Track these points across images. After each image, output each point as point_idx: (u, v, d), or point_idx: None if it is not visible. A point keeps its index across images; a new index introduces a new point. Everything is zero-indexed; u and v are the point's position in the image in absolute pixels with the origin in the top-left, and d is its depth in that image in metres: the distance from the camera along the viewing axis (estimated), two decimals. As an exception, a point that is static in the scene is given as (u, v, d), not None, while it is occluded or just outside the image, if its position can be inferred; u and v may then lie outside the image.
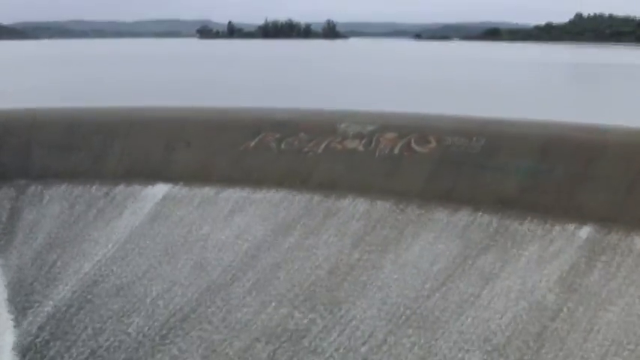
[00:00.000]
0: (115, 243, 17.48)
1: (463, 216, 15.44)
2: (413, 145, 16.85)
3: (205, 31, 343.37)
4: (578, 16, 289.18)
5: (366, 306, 14.65)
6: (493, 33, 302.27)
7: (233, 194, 17.75)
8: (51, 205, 18.82)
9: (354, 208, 16.45)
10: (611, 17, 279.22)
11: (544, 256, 14.12)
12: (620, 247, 13.69)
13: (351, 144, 17.48)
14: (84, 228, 18.14)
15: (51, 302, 16.74)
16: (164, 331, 15.53)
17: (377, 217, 16.08)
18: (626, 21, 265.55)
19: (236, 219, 17.19)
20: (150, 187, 18.56)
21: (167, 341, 15.33)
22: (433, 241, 15.22)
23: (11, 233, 18.39)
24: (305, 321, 14.79)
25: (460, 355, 13.35)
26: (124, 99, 31.32)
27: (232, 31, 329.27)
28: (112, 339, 15.68)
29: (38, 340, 16.09)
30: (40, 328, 16.28)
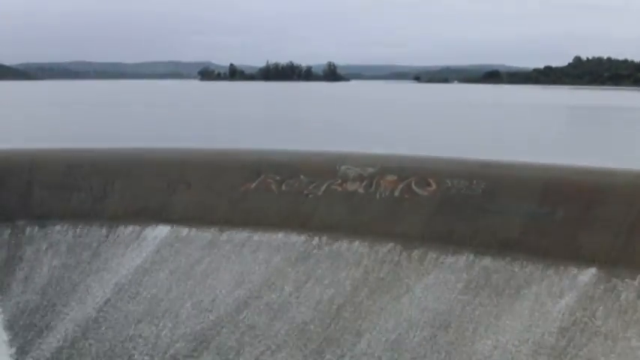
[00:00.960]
0: (115, 284, 17.40)
1: (464, 259, 15.40)
2: (413, 187, 16.86)
3: (207, 73, 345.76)
4: (577, 59, 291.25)
5: (366, 349, 14.55)
6: (493, 75, 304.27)
7: (233, 236, 17.72)
8: (51, 246, 18.76)
9: (355, 250, 16.41)
10: (609, 60, 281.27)
11: (545, 298, 14.06)
12: (622, 289, 13.63)
13: (352, 186, 17.49)
14: (84, 269, 18.08)
15: (51, 343, 16.64)
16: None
17: (377, 260, 16.03)
18: (625, 64, 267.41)
19: (236, 261, 17.14)
20: (150, 228, 18.52)
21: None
22: (434, 284, 15.16)
23: (11, 274, 18.30)
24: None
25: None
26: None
27: (234, 73, 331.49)
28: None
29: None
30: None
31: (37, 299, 17.64)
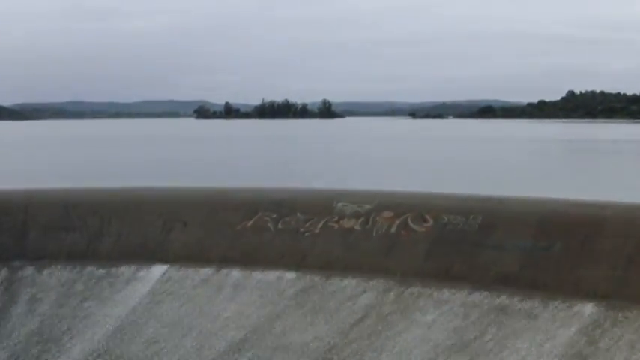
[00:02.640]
0: (111, 325, 17.27)
1: (461, 294, 15.34)
2: (410, 223, 16.83)
3: (202, 112, 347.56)
4: (570, 93, 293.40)
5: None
6: (487, 110, 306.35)
7: (230, 275, 17.64)
8: (46, 286, 18.67)
9: (352, 288, 16.34)
10: (602, 93, 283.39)
11: (544, 333, 13.99)
12: (621, 323, 13.56)
13: (348, 223, 17.45)
14: (80, 310, 17.95)
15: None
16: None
17: (375, 297, 15.96)
18: (618, 97, 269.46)
19: (233, 300, 17.04)
20: (147, 268, 18.44)
21: None
22: (432, 321, 15.08)
23: (6, 315, 18.17)
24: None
25: None
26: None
27: (229, 111, 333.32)
28: None
29: None
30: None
31: (32, 340, 17.50)
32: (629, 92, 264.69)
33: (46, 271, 18.95)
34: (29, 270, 19.05)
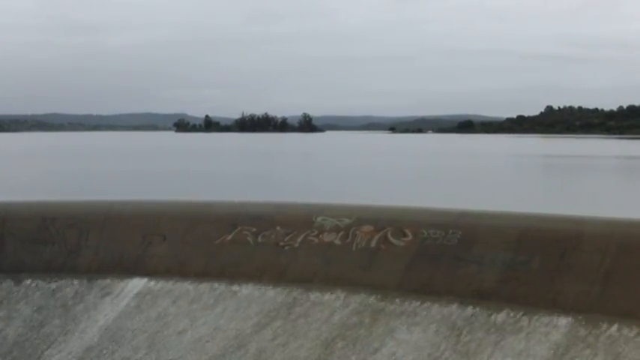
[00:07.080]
0: (89, 339, 17.16)
1: (441, 309, 15.36)
2: (390, 238, 16.86)
3: (182, 125, 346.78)
4: (549, 109, 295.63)
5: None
6: (467, 125, 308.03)
7: (210, 289, 17.57)
8: (23, 300, 18.52)
9: (331, 302, 16.33)
10: (580, 109, 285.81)
11: (523, 348, 14.03)
12: (598, 338, 13.63)
13: (328, 237, 17.45)
14: (57, 324, 17.82)
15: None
16: None
17: (354, 312, 15.95)
18: (595, 113, 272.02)
19: (212, 314, 16.98)
20: (125, 281, 18.34)
21: None
22: (411, 334, 15.10)
23: (-19, 330, 18.00)
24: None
25: None
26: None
27: (209, 125, 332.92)
28: None
29: None
30: None
31: (10, 355, 17.34)
32: (607, 108, 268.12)
33: (23, 285, 18.81)
34: (6, 283, 18.89)
